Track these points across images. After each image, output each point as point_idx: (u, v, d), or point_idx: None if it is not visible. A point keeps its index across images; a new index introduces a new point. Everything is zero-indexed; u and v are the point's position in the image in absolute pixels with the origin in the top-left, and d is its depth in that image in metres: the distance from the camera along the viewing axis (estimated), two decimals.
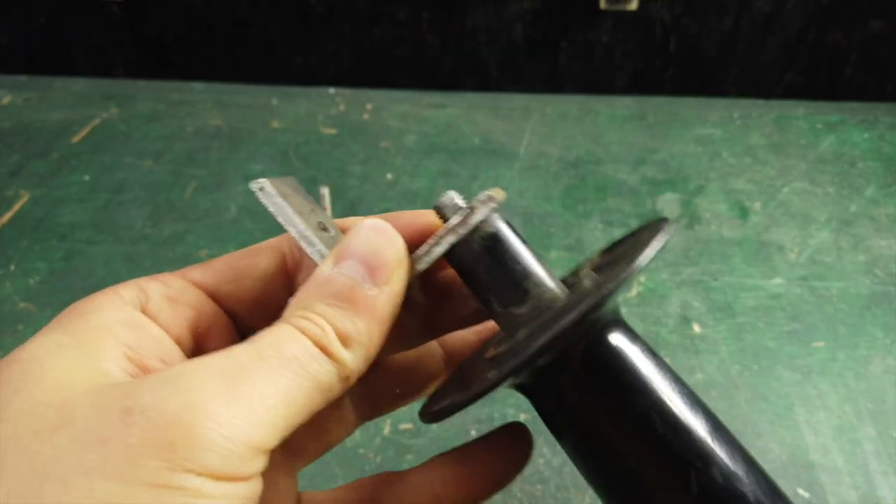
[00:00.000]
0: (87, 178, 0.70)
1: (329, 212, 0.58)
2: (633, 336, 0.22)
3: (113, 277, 0.58)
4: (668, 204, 0.66)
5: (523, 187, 0.68)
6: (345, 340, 0.18)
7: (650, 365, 0.21)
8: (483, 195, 0.21)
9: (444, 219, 0.22)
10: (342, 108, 0.82)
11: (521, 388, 0.22)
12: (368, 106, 0.82)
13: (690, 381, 0.49)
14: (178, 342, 0.21)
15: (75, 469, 0.14)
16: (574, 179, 0.70)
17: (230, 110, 0.81)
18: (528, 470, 0.44)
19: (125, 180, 0.70)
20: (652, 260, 0.19)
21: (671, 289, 0.57)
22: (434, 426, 0.46)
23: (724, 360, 0.51)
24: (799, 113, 0.80)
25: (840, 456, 0.45)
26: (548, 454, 0.45)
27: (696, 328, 0.54)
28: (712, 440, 0.21)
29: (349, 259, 0.19)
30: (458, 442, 0.45)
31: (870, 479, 0.43)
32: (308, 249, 0.21)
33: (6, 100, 0.83)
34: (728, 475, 0.20)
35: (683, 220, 0.65)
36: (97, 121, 0.79)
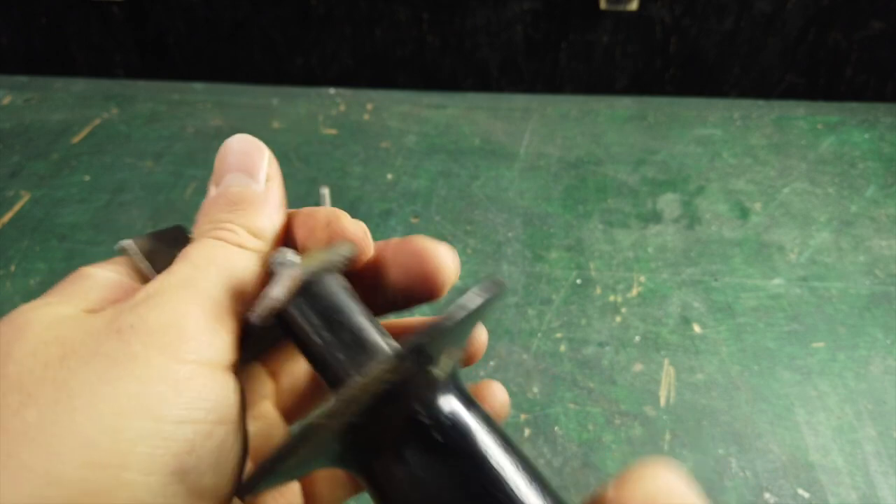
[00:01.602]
0: (87, 178, 0.70)
1: None
2: (468, 400, 0.19)
3: None
4: (668, 204, 0.66)
5: (523, 188, 0.68)
6: (256, 234, 0.21)
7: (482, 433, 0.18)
8: (328, 252, 0.20)
9: (272, 275, 0.20)
10: (342, 108, 0.82)
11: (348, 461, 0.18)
12: (369, 106, 0.82)
13: (690, 381, 0.49)
14: None
15: (97, 382, 0.16)
16: (574, 180, 0.70)
17: (230, 111, 0.81)
18: None
19: (125, 181, 0.70)
20: (460, 320, 0.17)
21: (671, 289, 0.57)
22: None
23: (725, 361, 0.51)
24: (799, 113, 0.80)
25: (840, 456, 0.45)
26: (548, 454, 0.45)
27: (697, 328, 0.54)
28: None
29: (227, 174, 0.22)
30: None
31: (869, 479, 0.43)
32: None
33: (6, 100, 0.83)
34: None
35: (684, 220, 0.65)
36: (97, 121, 0.79)
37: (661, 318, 0.54)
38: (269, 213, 0.22)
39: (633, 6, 0.82)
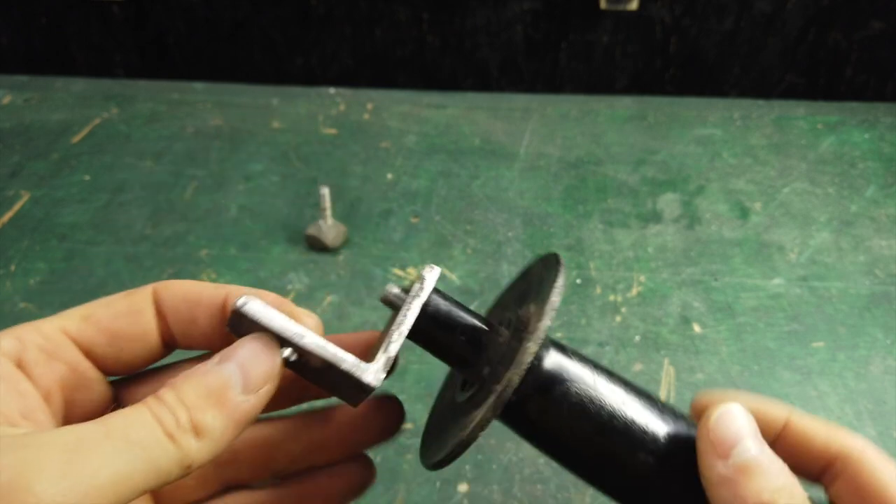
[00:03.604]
0: (87, 178, 0.70)
1: (329, 212, 0.58)
2: (565, 351, 0.25)
3: (113, 278, 0.58)
4: (668, 204, 0.66)
5: (523, 188, 0.68)
6: (197, 431, 0.20)
7: (585, 370, 0.25)
8: (424, 271, 0.25)
9: (395, 307, 0.25)
10: (342, 108, 0.82)
11: (502, 415, 0.25)
12: (369, 106, 0.82)
13: (690, 381, 0.49)
14: (47, 398, 0.22)
15: None
16: (574, 180, 0.70)
17: (230, 110, 0.81)
18: (528, 470, 0.44)
19: (125, 180, 0.70)
20: (560, 293, 0.23)
21: (671, 289, 0.57)
22: None
23: (725, 361, 0.51)
24: (799, 113, 0.80)
25: None
26: None
27: (697, 328, 0.54)
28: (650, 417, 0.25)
29: (231, 362, 0.21)
30: None
31: None
32: (329, 355, 0.23)
33: (6, 100, 0.83)
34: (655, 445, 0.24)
35: (684, 220, 0.65)
36: (97, 121, 0.79)
37: (661, 318, 0.54)
38: (227, 424, 0.20)
39: (633, 6, 0.82)
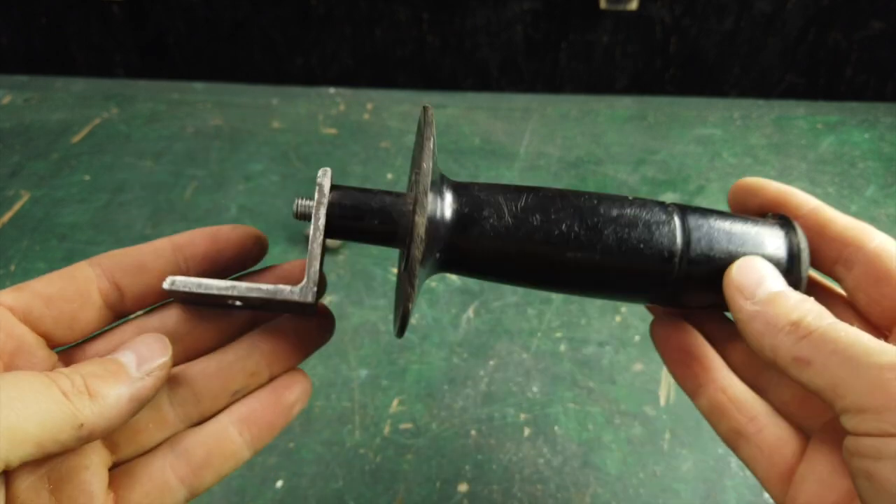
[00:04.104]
0: (87, 178, 0.70)
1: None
2: (469, 187, 0.27)
3: None
4: None
5: None
6: (92, 394, 0.21)
7: (492, 195, 0.27)
8: (318, 178, 0.26)
9: (308, 217, 0.27)
10: (342, 108, 0.82)
11: (441, 270, 0.28)
12: (369, 106, 0.82)
13: None
14: None
15: None
16: (574, 180, 0.70)
17: (230, 110, 0.81)
18: (528, 470, 0.44)
19: (125, 180, 0.70)
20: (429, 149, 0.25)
21: None
22: (434, 425, 0.46)
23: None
24: (799, 113, 0.80)
25: None
26: (548, 454, 0.45)
27: None
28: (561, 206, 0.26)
29: (128, 350, 0.24)
30: (458, 441, 0.45)
31: None
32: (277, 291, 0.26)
33: (6, 100, 0.83)
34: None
35: None
36: (97, 121, 0.79)
37: None
38: (121, 393, 0.22)
39: (633, 6, 0.82)
